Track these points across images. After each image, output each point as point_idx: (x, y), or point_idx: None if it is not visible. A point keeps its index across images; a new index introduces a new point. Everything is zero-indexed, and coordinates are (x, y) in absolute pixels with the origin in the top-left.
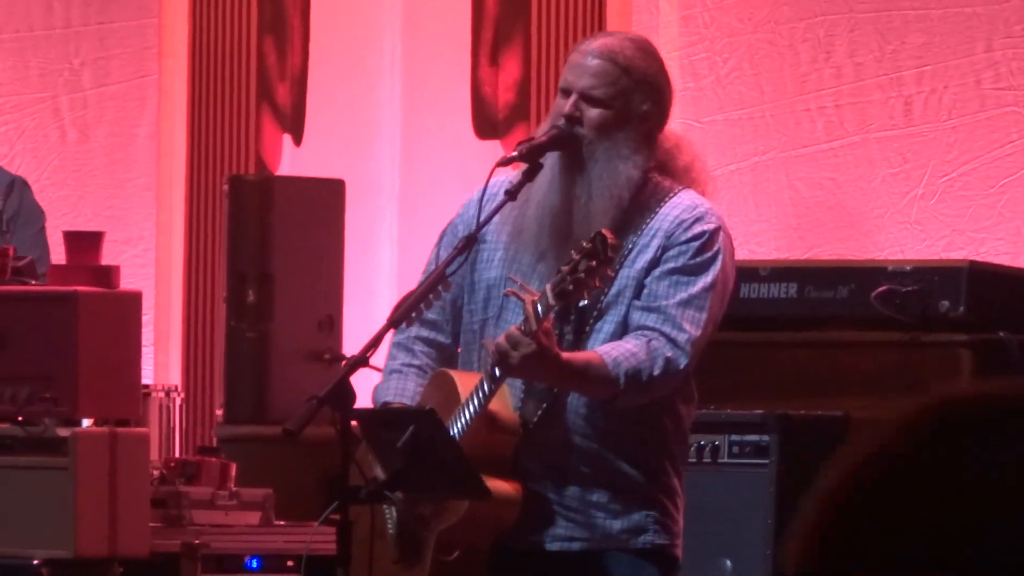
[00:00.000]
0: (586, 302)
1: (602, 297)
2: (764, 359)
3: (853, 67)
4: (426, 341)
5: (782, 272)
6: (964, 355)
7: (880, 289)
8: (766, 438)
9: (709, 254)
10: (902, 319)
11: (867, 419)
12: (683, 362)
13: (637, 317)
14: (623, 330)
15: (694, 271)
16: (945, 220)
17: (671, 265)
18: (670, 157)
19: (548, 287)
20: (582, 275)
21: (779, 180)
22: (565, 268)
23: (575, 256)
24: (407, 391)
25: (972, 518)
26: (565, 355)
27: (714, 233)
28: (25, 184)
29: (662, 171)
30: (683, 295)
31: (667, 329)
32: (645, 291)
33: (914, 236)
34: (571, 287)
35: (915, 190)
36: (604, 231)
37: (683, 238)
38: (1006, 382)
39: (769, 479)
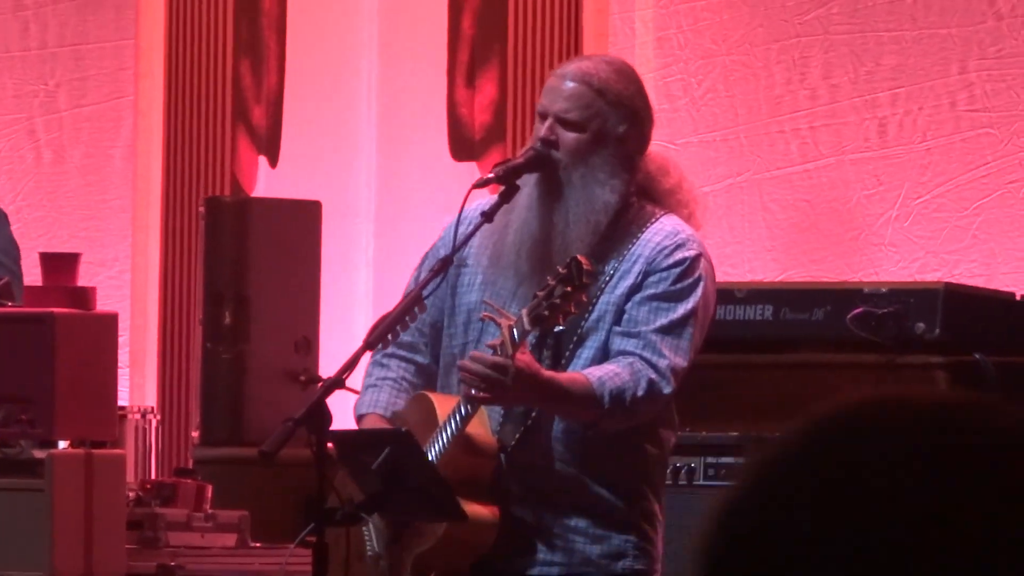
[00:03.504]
0: (562, 327)
1: (582, 323)
2: (740, 381)
3: (828, 89)
4: (402, 358)
5: (758, 294)
6: (940, 377)
7: (856, 311)
8: (742, 460)
9: (690, 280)
10: (878, 341)
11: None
12: (665, 388)
13: (618, 343)
14: (603, 356)
15: (674, 297)
16: (919, 242)
17: (651, 291)
18: (654, 180)
19: (524, 312)
20: (557, 300)
21: (753, 202)
22: (540, 293)
23: (551, 282)
24: (380, 402)
25: (867, 525)
26: (548, 373)
27: (695, 260)
28: (5, 217)
29: (646, 195)
30: (663, 321)
31: (647, 355)
32: (625, 316)
33: (888, 258)
34: (546, 312)
35: (889, 212)
36: (579, 256)
37: (664, 264)
38: (910, 390)
39: None
